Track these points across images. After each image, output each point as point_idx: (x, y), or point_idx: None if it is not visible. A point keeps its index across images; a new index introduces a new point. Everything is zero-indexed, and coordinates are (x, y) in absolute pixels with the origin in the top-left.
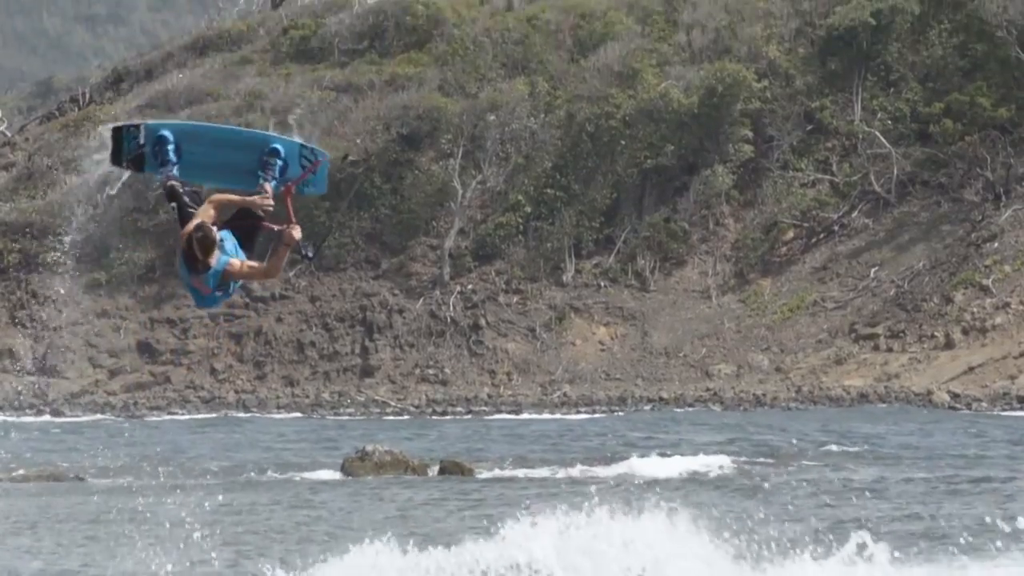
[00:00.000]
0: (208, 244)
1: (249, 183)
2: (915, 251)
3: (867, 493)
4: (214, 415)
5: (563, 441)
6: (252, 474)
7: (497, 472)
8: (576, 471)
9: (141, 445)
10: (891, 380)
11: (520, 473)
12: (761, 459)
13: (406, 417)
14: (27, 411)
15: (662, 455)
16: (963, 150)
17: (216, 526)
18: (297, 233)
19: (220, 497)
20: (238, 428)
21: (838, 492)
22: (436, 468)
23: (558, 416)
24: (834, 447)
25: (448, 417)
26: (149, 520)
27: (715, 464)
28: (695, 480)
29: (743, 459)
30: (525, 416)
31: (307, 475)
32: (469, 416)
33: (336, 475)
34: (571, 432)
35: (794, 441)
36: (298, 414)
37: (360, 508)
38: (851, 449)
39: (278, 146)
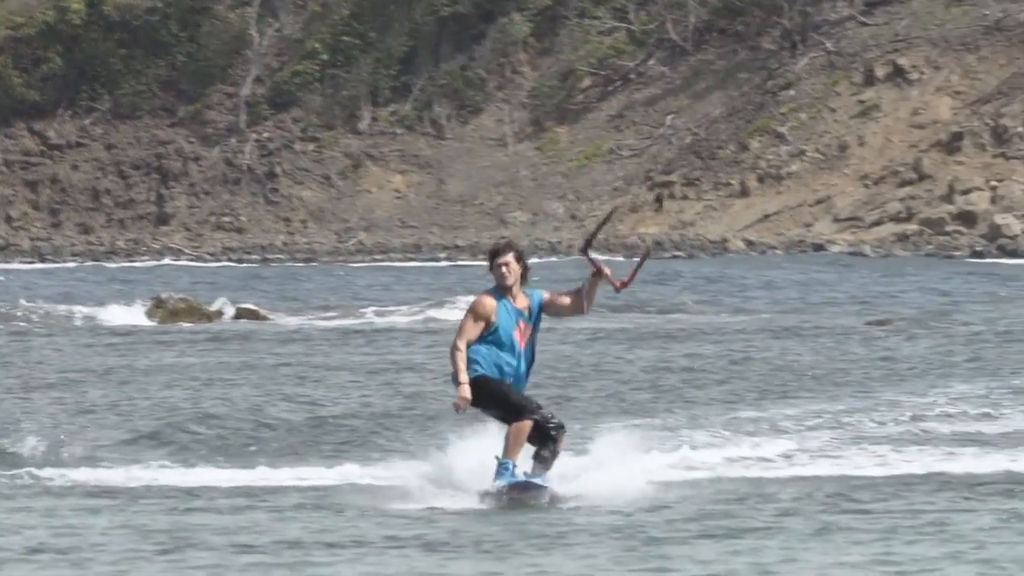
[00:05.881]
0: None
1: None
2: (711, 99)
3: None
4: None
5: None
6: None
7: (295, 319)
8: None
9: None
10: (686, 228)
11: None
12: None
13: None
14: None
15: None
16: None
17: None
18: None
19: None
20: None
21: None
22: (231, 313)
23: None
24: None
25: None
26: None
27: None
28: None
29: None
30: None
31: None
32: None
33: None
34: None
35: None
36: (92, 262)
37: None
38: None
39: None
